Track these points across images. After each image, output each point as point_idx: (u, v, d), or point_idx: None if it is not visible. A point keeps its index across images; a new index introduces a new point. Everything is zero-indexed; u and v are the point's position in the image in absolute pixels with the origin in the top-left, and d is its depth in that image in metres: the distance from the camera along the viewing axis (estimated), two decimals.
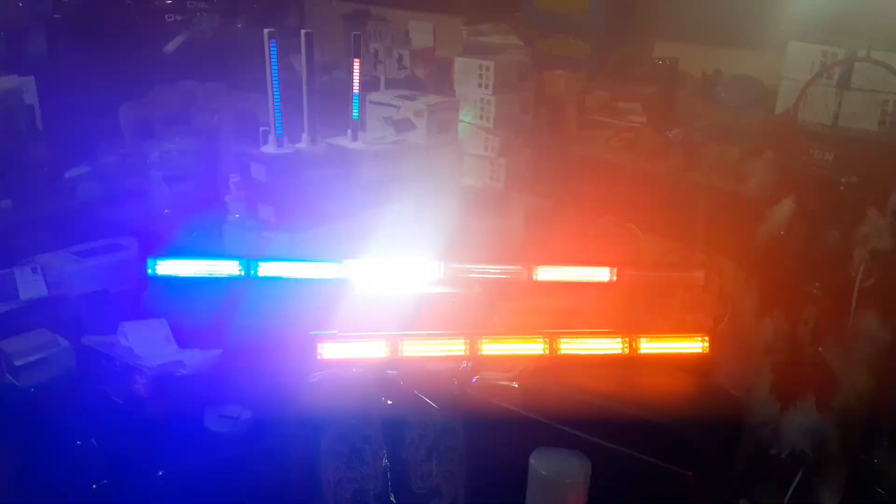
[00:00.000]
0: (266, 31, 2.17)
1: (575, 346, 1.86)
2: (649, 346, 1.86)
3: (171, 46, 3.70)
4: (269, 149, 2.28)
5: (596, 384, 1.89)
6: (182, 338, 2.21)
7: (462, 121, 2.88)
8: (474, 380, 1.94)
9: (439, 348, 1.83)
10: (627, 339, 1.84)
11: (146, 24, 3.71)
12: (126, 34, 3.51)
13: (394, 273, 1.98)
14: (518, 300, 2.13)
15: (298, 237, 2.22)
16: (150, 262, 1.96)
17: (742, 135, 2.52)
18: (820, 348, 1.90)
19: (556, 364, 1.88)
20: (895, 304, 1.84)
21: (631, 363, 1.85)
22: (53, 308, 2.31)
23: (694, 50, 3.12)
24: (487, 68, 2.91)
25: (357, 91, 2.41)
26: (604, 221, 2.54)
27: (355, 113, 2.43)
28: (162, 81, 3.14)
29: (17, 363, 2.08)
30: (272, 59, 2.19)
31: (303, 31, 2.23)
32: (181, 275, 1.97)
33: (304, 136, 2.33)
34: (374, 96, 2.74)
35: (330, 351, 1.81)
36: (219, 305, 2.10)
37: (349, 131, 2.45)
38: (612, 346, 1.86)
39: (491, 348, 1.85)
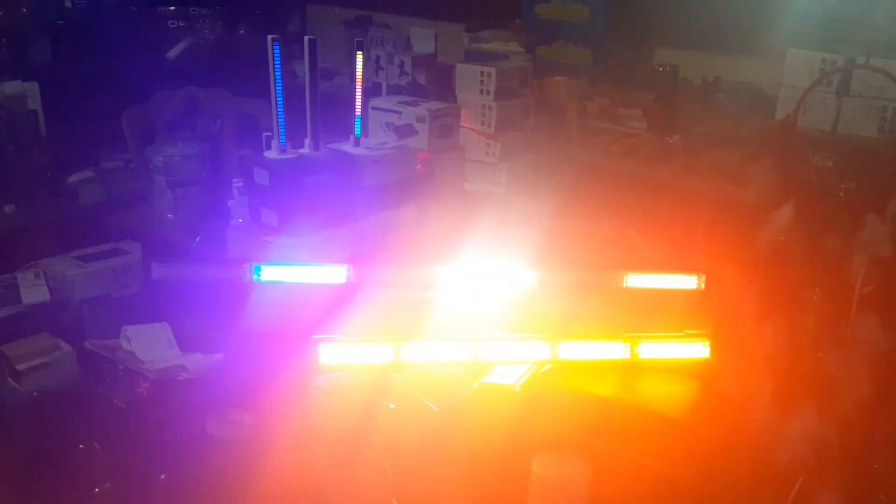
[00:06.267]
0: (270, 37, 2.19)
1: (576, 350, 1.87)
2: (651, 350, 1.87)
3: (173, 52, 3.72)
4: (272, 154, 2.29)
5: (597, 388, 1.89)
6: (184, 342, 2.21)
7: (463, 126, 2.89)
8: (476, 383, 1.94)
9: (442, 352, 1.84)
10: (629, 344, 1.85)
11: (149, 30, 3.73)
12: (129, 40, 3.52)
13: (398, 278, 1.99)
14: (520, 305, 2.14)
15: (301, 241, 2.23)
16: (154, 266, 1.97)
17: (742, 141, 2.54)
18: (820, 354, 1.91)
19: (557, 368, 1.89)
20: (895, 309, 1.85)
21: (633, 368, 1.86)
22: (56, 312, 2.31)
23: (694, 57, 3.14)
24: (489, 74, 2.93)
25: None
26: (604, 226, 2.54)
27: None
28: (165, 87, 3.15)
29: (20, 367, 2.08)
30: (275, 65, 2.20)
31: (306, 38, 2.24)
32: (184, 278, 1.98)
33: (307, 141, 2.34)
34: (376, 102, 2.76)
35: (332, 355, 1.82)
36: (221, 309, 2.10)
37: (351, 137, 2.47)
38: (614, 350, 1.87)
39: (492, 352, 1.86)
